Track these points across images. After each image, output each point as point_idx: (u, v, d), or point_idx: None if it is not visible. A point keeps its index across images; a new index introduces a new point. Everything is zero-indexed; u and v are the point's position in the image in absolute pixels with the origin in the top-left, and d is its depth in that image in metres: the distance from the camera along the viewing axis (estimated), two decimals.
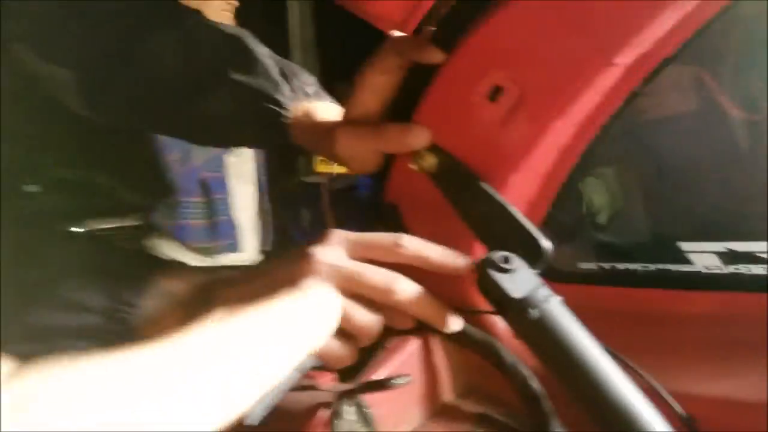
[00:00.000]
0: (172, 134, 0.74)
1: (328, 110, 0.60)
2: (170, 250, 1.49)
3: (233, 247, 1.55)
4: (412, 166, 0.50)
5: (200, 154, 1.46)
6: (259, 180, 1.64)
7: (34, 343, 0.45)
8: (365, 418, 0.49)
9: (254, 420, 0.48)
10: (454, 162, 0.50)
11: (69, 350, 0.44)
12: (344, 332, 0.41)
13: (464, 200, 0.49)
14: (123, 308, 0.44)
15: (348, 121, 0.53)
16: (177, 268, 0.48)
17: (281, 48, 0.69)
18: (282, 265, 0.44)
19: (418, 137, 0.49)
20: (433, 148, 0.50)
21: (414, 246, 0.43)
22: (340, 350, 0.42)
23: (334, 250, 0.43)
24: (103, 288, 0.45)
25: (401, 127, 0.50)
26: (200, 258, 1.50)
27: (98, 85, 0.67)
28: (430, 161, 0.50)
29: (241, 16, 1.49)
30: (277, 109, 0.60)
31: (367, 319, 0.42)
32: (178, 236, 1.46)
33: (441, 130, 0.49)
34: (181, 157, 1.42)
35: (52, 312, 0.44)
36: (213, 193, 1.50)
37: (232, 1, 1.47)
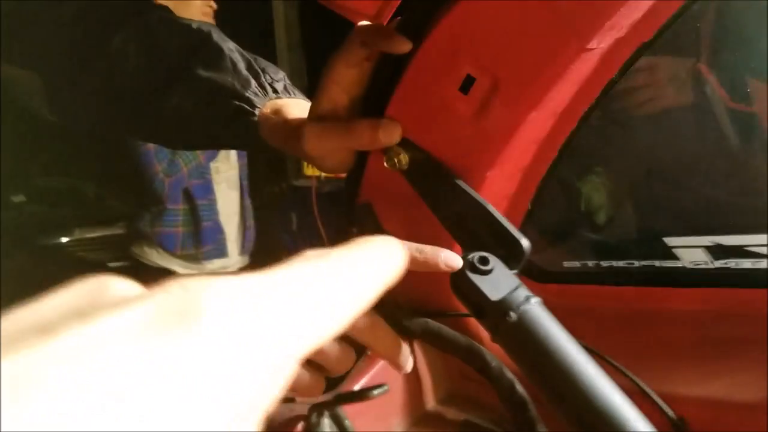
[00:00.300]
0: (137, 135, 0.72)
1: (298, 107, 0.58)
2: (158, 258, 1.48)
3: (219, 253, 1.54)
4: (385, 164, 0.48)
5: (186, 163, 1.46)
6: (242, 184, 1.63)
7: None
8: (343, 429, 0.47)
9: None
10: (428, 158, 0.48)
11: None
12: (315, 364, 0.39)
13: (439, 198, 0.47)
14: None
15: (316, 118, 0.51)
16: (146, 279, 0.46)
17: (267, 49, 0.67)
18: None
19: (389, 133, 0.47)
20: (406, 144, 0.47)
21: None
22: (309, 380, 0.40)
23: None
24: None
25: (371, 122, 0.47)
26: (187, 265, 1.48)
27: (62, 87, 0.65)
28: (403, 158, 0.48)
29: (225, 17, 1.47)
30: (244, 106, 0.58)
31: (340, 352, 0.40)
32: (164, 244, 1.46)
33: (413, 125, 0.47)
34: (168, 166, 1.42)
35: None
36: (196, 199, 1.49)
37: (212, 3, 1.45)
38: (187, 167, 1.46)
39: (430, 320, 0.52)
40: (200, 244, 1.51)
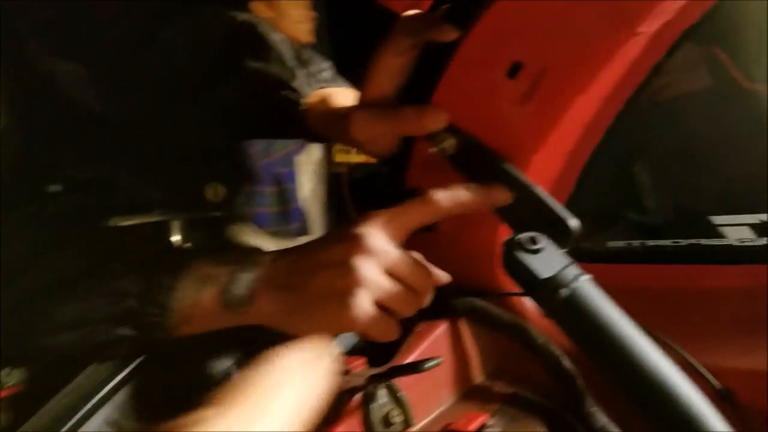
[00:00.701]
0: (185, 126, 0.74)
1: (344, 95, 0.60)
2: (248, 235, 1.53)
3: (302, 231, 1.60)
4: (431, 149, 0.50)
5: (279, 149, 1.50)
6: (325, 173, 1.68)
7: (74, 331, 0.45)
8: (398, 400, 0.49)
9: None
10: (474, 142, 0.49)
11: (108, 337, 0.45)
12: (387, 309, 0.41)
13: (486, 182, 0.48)
14: (160, 291, 0.44)
15: (363, 105, 0.53)
16: (212, 253, 0.48)
17: None
18: (322, 246, 0.44)
19: (436, 118, 0.48)
20: (452, 129, 0.49)
21: (444, 197, 0.44)
22: (384, 325, 0.42)
23: (374, 233, 0.42)
24: (140, 273, 0.45)
25: (418, 108, 0.49)
26: (274, 241, 1.54)
27: (110, 80, 0.67)
28: (449, 143, 0.49)
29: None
30: (291, 96, 0.60)
31: (409, 300, 0.43)
32: (258, 223, 1.51)
33: (460, 110, 0.49)
34: (261, 151, 1.45)
35: (90, 300, 0.45)
36: (284, 183, 1.54)
37: (309, 12, 1.45)
38: (278, 154, 1.50)
39: (476, 299, 0.54)
40: (286, 223, 1.57)
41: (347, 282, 0.40)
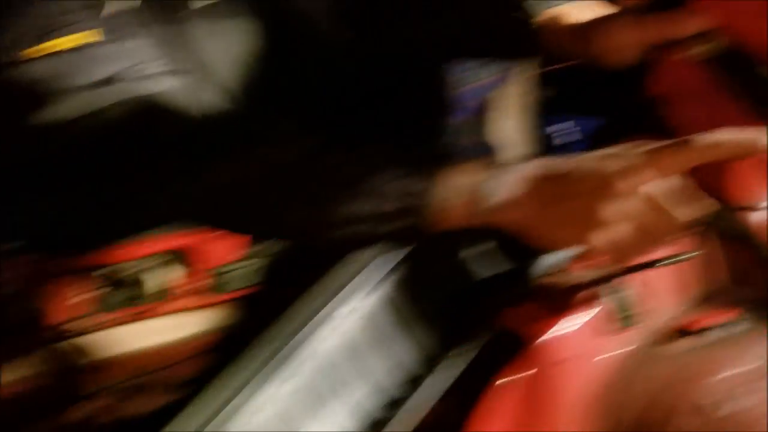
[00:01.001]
0: (411, 50, 0.75)
1: (579, 9, 0.61)
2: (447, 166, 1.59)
3: (502, 160, 1.63)
4: (685, 53, 0.50)
5: (478, 78, 1.50)
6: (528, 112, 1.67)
7: (354, 226, 0.49)
8: (635, 296, 0.52)
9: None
10: (731, 47, 0.49)
11: (382, 231, 0.52)
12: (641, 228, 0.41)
13: (745, 85, 0.48)
14: (420, 194, 0.47)
15: (615, 14, 0.54)
16: (466, 163, 0.52)
17: None
18: (587, 173, 0.42)
19: (694, 23, 0.49)
20: (708, 33, 0.49)
21: (710, 142, 0.40)
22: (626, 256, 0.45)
23: (641, 172, 0.40)
24: (403, 179, 0.48)
25: (676, 13, 0.50)
26: (474, 171, 1.59)
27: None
28: (706, 48, 0.49)
29: None
30: (523, 15, 0.62)
31: (656, 237, 0.43)
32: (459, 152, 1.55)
33: (716, 14, 0.48)
34: (460, 79, 1.46)
35: (362, 201, 0.49)
36: (482, 113, 1.55)
37: None
38: (477, 83, 1.50)
39: (723, 213, 0.54)
40: (486, 153, 1.58)
41: (600, 217, 0.40)
